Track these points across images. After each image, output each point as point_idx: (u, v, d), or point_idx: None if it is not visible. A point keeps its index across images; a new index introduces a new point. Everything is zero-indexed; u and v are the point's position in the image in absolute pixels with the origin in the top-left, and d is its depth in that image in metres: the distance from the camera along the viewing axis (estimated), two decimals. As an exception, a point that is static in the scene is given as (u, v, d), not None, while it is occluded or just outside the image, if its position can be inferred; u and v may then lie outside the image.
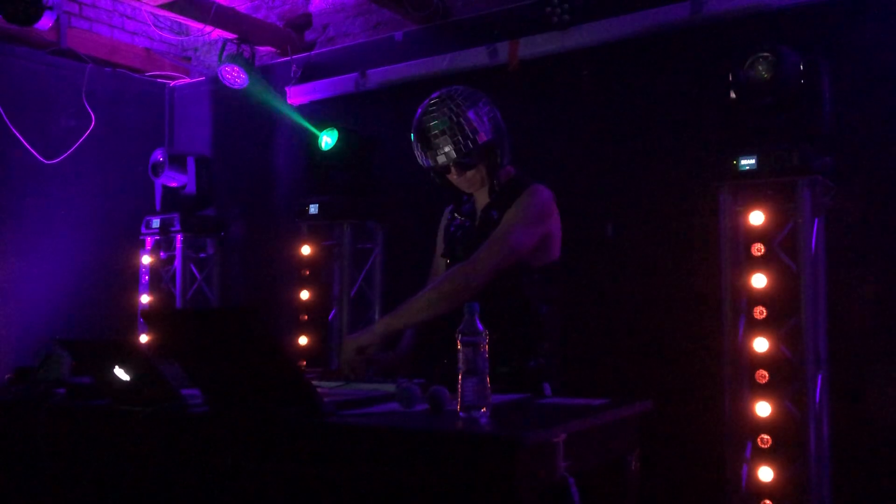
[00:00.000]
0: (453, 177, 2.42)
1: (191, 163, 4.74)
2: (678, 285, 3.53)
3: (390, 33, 4.52)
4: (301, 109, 4.70)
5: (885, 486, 3.07)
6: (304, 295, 4.34)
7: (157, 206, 4.86)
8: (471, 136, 2.31)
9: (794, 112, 3.01)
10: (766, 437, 3.02)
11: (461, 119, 2.31)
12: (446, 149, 2.32)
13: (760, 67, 2.96)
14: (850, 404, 3.11)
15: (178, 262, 4.83)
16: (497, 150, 2.38)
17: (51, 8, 4.06)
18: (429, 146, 2.35)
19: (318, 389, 1.83)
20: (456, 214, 2.56)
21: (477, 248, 2.35)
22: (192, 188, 4.77)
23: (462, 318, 1.68)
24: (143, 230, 4.88)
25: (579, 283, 3.64)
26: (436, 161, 2.36)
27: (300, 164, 4.37)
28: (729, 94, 3.06)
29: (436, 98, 2.37)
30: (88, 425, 2.11)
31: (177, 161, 4.72)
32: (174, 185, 4.79)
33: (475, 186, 2.44)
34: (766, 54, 2.95)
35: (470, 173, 2.39)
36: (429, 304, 2.28)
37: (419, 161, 2.42)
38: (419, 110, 2.39)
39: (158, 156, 4.75)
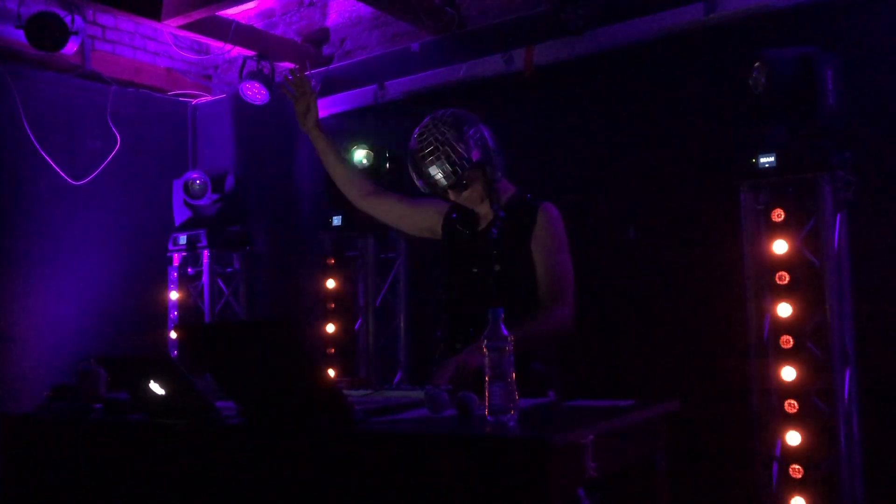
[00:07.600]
0: (452, 197, 2.55)
1: (228, 181, 4.86)
2: (701, 285, 3.53)
3: (407, 44, 4.56)
4: (321, 123, 4.73)
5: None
6: (330, 306, 4.40)
7: (176, 223, 4.95)
8: (457, 162, 2.42)
9: (793, 110, 3.00)
10: (795, 433, 3.01)
11: (447, 147, 2.42)
12: (437, 176, 2.45)
13: (756, 74, 3.00)
14: (879, 400, 3.09)
15: (205, 278, 4.90)
16: (487, 168, 2.49)
17: (76, 33, 4.17)
18: (421, 174, 2.48)
19: (349, 398, 1.87)
20: (459, 227, 2.64)
21: (480, 263, 2.52)
22: (222, 205, 4.87)
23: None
24: (171, 247, 4.95)
25: (603, 285, 3.65)
26: (430, 187, 2.50)
27: (322, 177, 4.42)
28: (744, 93, 3.07)
29: (423, 127, 2.49)
30: (126, 440, 2.16)
31: (215, 181, 4.81)
32: (205, 202, 4.86)
33: (475, 203, 2.57)
34: (757, 63, 2.98)
35: (466, 192, 2.52)
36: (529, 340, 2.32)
37: (419, 187, 2.54)
38: (411, 139, 2.51)
39: (194, 176, 4.80)
